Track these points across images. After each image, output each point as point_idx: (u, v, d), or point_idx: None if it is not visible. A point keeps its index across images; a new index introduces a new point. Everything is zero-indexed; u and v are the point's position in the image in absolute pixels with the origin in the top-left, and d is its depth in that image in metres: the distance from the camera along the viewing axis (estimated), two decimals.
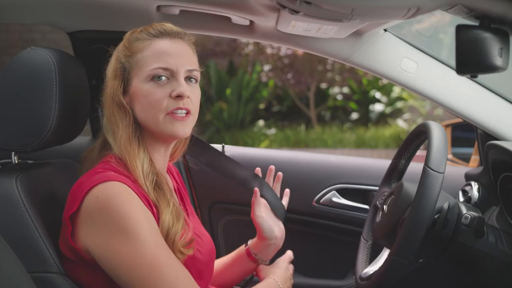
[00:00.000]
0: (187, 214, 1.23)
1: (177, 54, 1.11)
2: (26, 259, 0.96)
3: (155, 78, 1.09)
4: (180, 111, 1.09)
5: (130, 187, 1.04)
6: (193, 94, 1.12)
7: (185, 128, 1.12)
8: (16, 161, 1.21)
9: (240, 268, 1.38)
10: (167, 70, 1.10)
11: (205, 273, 1.18)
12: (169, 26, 1.14)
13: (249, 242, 1.39)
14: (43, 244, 1.05)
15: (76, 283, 1.07)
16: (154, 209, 1.07)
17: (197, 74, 1.15)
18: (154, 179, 1.10)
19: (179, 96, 1.09)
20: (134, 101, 1.12)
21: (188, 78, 1.13)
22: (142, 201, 1.04)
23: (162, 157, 1.18)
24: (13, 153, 1.20)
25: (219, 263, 1.40)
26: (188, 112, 1.11)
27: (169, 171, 1.28)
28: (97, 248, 1.02)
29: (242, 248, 1.39)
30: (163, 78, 1.10)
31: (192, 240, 1.11)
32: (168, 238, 1.06)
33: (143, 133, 1.14)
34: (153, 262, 1.00)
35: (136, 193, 1.04)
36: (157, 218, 1.07)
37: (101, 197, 1.01)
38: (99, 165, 1.10)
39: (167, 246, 1.04)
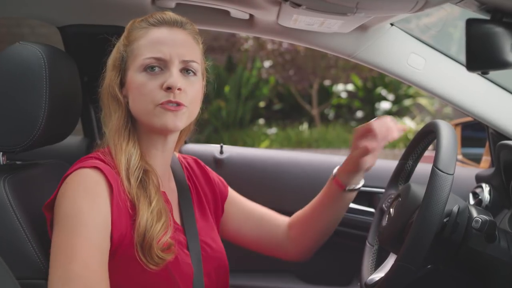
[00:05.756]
0: (204, 216, 1.21)
1: (172, 43, 1.07)
2: (14, 265, 0.93)
3: (148, 68, 1.07)
4: (170, 104, 1.06)
5: (104, 175, 1.01)
6: (188, 87, 1.08)
7: (176, 120, 1.07)
8: (4, 162, 1.19)
9: (334, 206, 1.32)
10: (160, 60, 1.07)
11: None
12: (169, 14, 1.12)
13: (335, 171, 1.33)
14: (32, 249, 1.04)
15: None
16: (129, 204, 1.04)
17: (196, 66, 1.10)
18: (140, 176, 1.07)
19: (170, 88, 1.05)
20: (129, 92, 1.10)
21: (184, 70, 1.09)
22: (113, 193, 1.01)
23: (161, 152, 1.14)
24: (0, 153, 1.18)
25: (305, 212, 1.33)
26: (179, 105, 1.06)
27: (187, 168, 1.26)
28: None
29: (329, 185, 1.32)
30: (156, 68, 1.07)
31: (170, 244, 1.05)
32: (145, 240, 1.01)
33: (137, 126, 1.12)
34: (65, 251, 0.96)
35: (108, 183, 1.01)
36: (132, 215, 1.04)
37: (68, 183, 1.01)
38: (86, 156, 1.08)
39: (100, 250, 0.98)
